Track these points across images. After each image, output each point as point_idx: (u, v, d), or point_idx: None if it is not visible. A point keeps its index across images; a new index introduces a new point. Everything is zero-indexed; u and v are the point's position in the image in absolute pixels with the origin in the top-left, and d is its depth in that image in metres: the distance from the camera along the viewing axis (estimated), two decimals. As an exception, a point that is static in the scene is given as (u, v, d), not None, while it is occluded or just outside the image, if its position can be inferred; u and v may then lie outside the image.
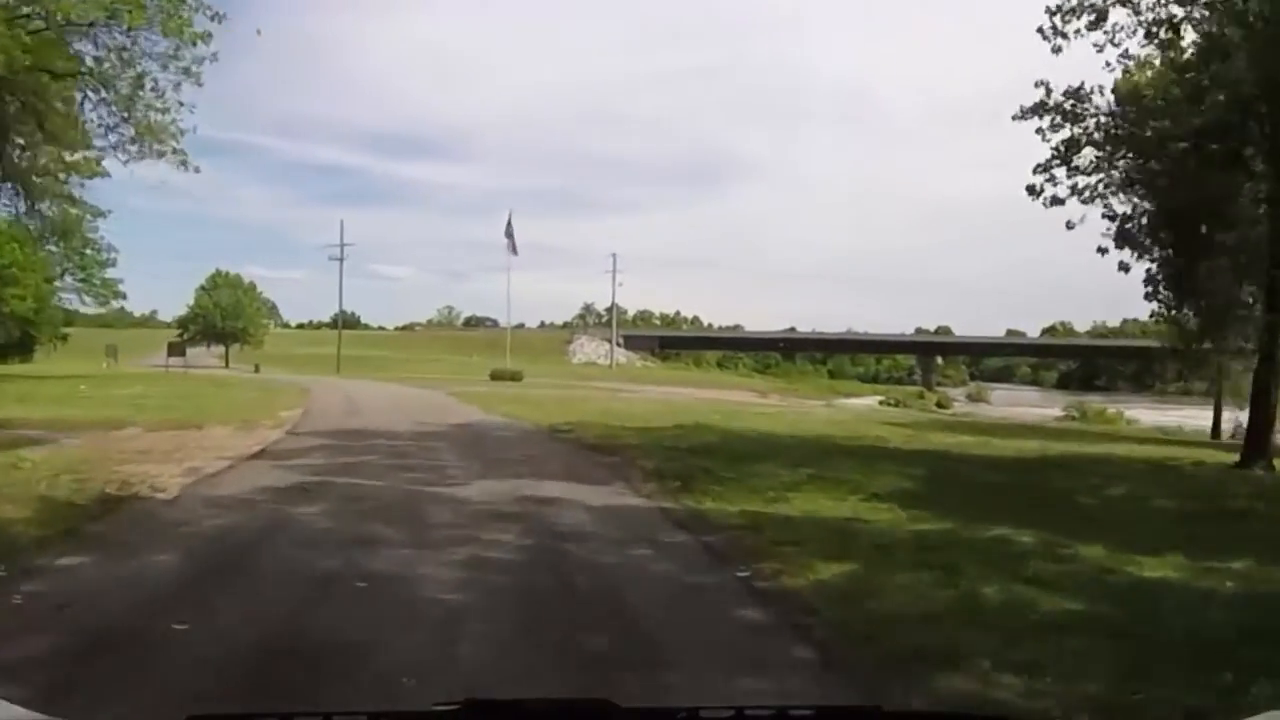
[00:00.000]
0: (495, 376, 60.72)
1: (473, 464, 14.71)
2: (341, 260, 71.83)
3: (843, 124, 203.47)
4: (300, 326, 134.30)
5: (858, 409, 53.16)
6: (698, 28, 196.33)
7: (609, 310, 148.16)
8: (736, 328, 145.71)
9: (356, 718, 2.20)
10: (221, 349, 79.47)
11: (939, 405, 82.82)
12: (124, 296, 47.10)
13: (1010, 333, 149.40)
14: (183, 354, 48.34)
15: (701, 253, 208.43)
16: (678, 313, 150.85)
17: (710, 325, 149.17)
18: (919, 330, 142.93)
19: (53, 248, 42.74)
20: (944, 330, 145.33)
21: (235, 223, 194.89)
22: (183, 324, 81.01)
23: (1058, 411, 62.40)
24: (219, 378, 47.47)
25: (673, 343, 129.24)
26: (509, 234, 61.28)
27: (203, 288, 79.76)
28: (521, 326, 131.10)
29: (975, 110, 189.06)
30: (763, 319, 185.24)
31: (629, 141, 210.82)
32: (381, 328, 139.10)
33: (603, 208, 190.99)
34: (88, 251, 42.92)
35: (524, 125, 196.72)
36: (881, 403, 75.66)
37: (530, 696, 1.88)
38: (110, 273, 47.96)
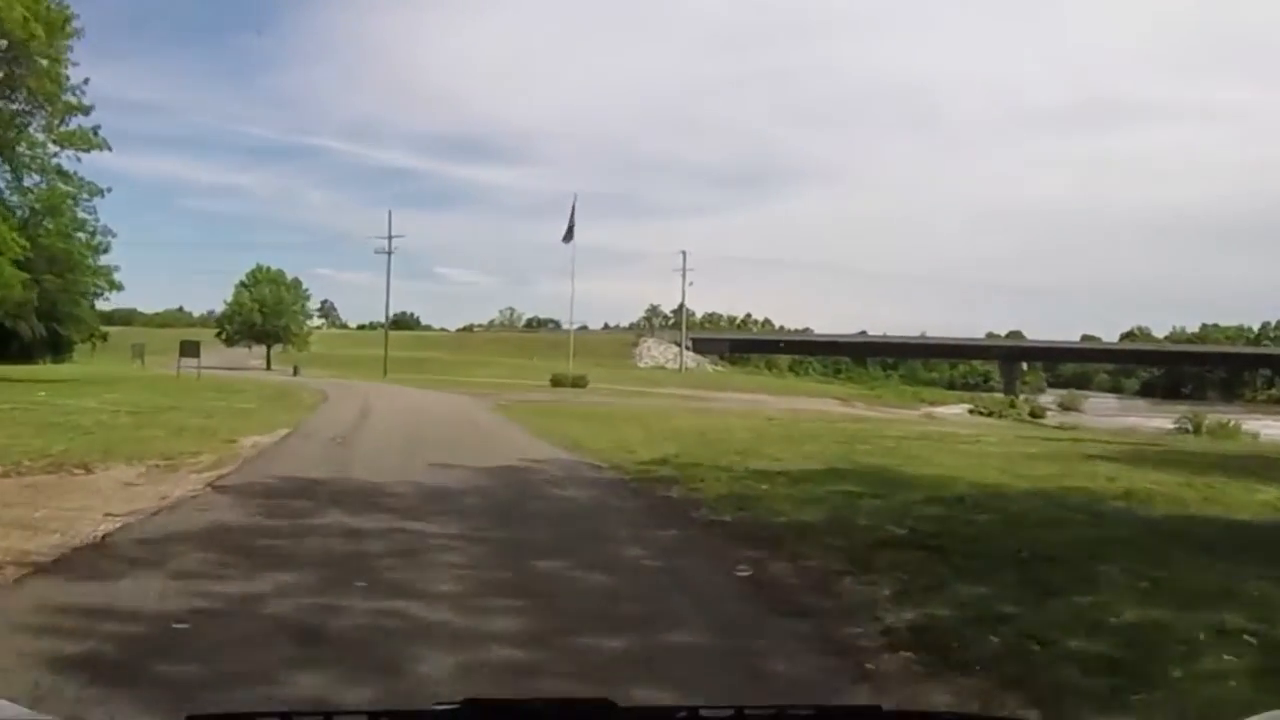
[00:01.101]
0: (556, 382, 52.83)
1: (501, 618, 6.41)
2: (390, 254, 64.71)
3: (908, 127, 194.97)
4: (360, 327, 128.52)
5: (989, 425, 44.28)
6: (759, 30, 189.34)
7: (675, 312, 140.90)
8: (805, 331, 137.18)
9: (357, 718, 2.05)
10: (263, 349, 72.62)
11: (1033, 415, 76.79)
12: (120, 288, 39.79)
13: (1085, 338, 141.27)
14: (196, 355, 41.04)
15: (765, 257, 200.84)
16: (748, 315, 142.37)
17: (781, 328, 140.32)
18: (989, 335, 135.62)
19: (49, 225, 35.50)
20: (1015, 335, 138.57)
21: (301, 225, 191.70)
22: (221, 323, 74.34)
23: (1168, 424, 55.77)
24: (233, 381, 40.05)
25: (744, 345, 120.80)
26: (571, 221, 53.52)
27: (242, 283, 73.08)
28: (584, 329, 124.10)
29: (1042, 113, 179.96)
30: (829, 323, 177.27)
31: (690, 144, 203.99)
32: (444, 329, 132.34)
33: (664, 211, 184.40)
34: (79, 235, 35.57)
35: (587, 129, 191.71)
36: (972, 411, 69.17)
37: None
38: (122, 268, 40.57)
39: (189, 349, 41.67)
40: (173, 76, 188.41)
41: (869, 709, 2.37)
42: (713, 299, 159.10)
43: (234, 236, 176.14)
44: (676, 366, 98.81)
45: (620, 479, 13.51)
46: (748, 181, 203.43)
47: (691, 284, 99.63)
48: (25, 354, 64.72)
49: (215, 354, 76.21)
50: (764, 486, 12.66)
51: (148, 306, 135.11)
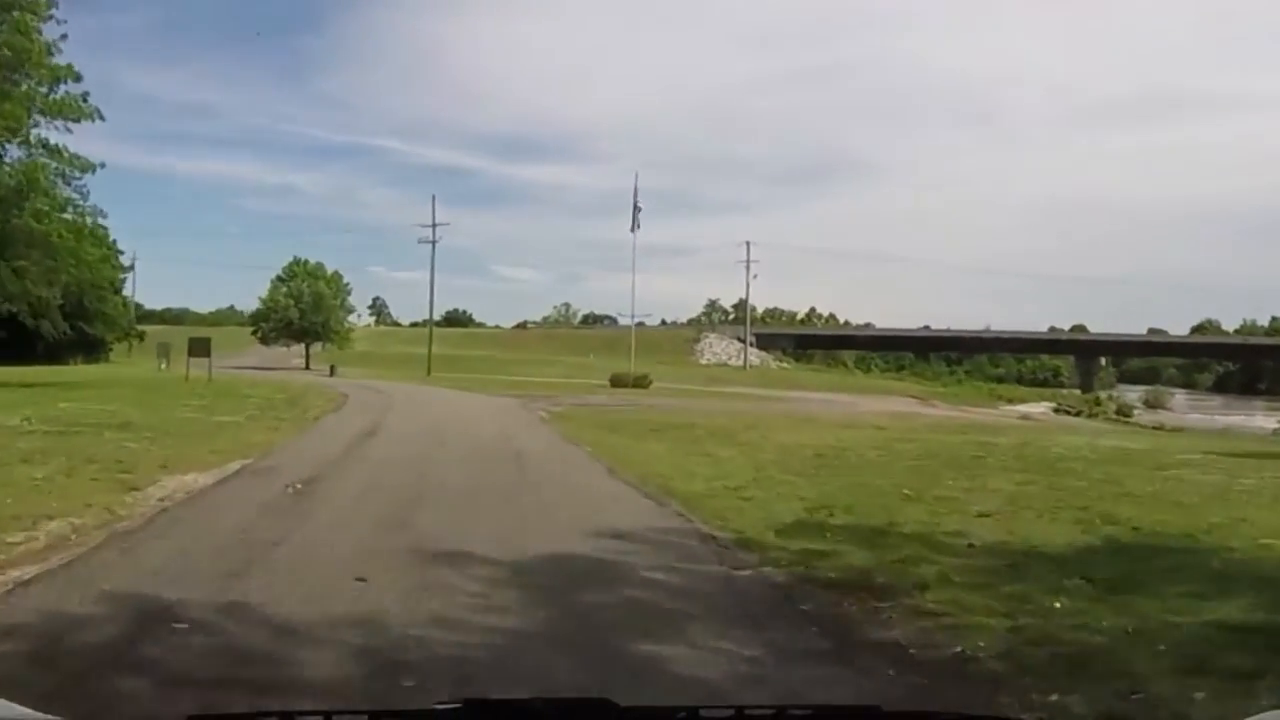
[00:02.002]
0: (616, 382, 46.65)
1: None
2: (434, 243, 58.71)
3: (965, 121, 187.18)
4: (413, 325, 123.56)
5: (1099, 428, 37.31)
6: (814, 26, 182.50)
7: (735, 307, 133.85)
8: (867, 326, 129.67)
9: (357, 717, 2.02)
10: (302, 347, 67.16)
11: (1120, 414, 70.31)
12: (119, 273, 34.29)
13: (1152, 331, 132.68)
14: (206, 353, 35.46)
15: (823, 253, 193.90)
16: (812, 309, 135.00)
17: (845, 323, 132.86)
18: (1051, 329, 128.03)
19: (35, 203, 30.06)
20: (1079, 329, 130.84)
21: (356, 224, 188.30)
22: (255, 320, 69.02)
23: (1270, 424, 50.73)
24: (248, 384, 34.47)
25: (810, 341, 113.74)
26: (635, 204, 47.26)
27: (279, 277, 67.71)
28: (641, 325, 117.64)
29: (1101, 106, 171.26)
30: (889, 318, 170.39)
31: (745, 141, 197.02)
32: (498, 326, 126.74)
33: (718, 207, 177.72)
34: (65, 215, 30.05)
35: (641, 126, 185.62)
36: (1057, 410, 64.66)
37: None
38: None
39: (198, 347, 36.15)
40: (228, 79, 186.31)
41: (869, 709, 2.09)
42: (771, 294, 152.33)
43: (290, 236, 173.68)
44: (739, 363, 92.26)
45: (771, 585, 7.11)
46: (804, 177, 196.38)
47: (756, 276, 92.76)
48: (53, 354, 60.11)
49: (254, 353, 71.26)
50: (1058, 604, 6.33)
51: (203, 306, 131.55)
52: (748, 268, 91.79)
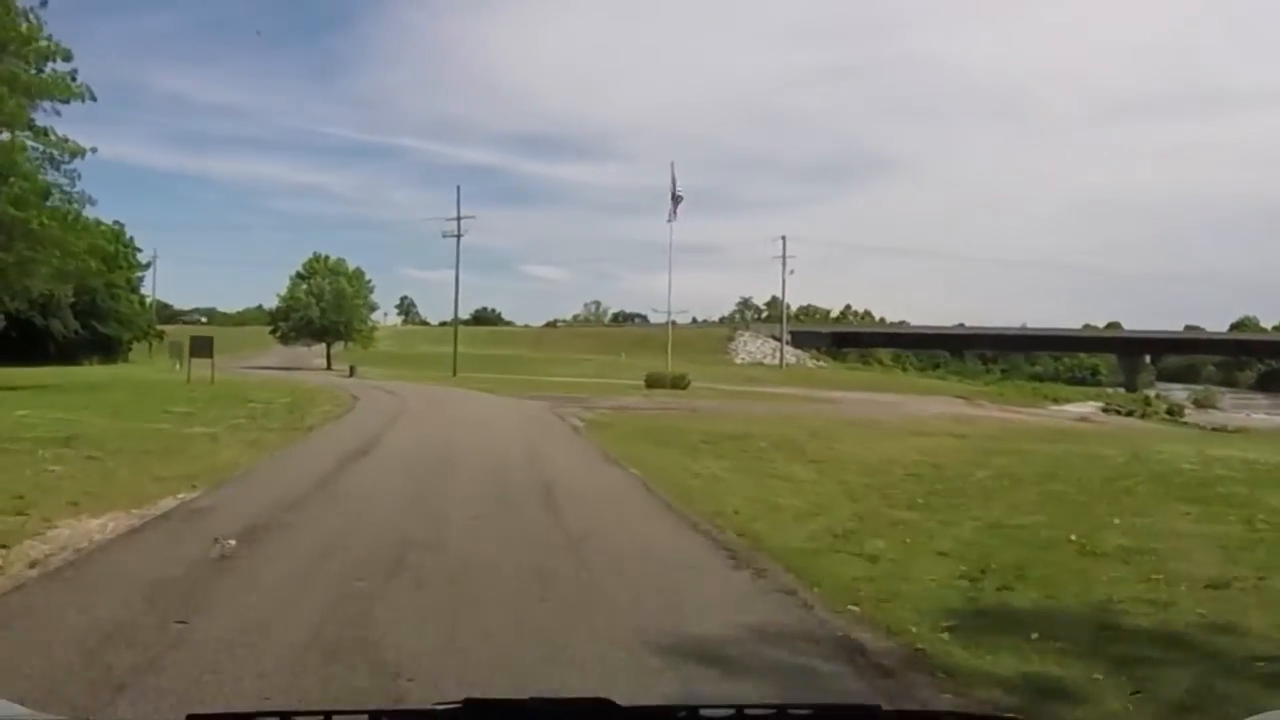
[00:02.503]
0: (652, 383, 43.22)
1: None
2: (459, 236, 55.39)
3: (998, 118, 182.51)
4: (442, 324, 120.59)
5: (1155, 430, 33.56)
6: (844, 24, 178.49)
7: (768, 305, 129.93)
8: (902, 324, 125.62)
9: (357, 717, 1.87)
10: (323, 347, 63.97)
11: (1170, 414, 66.32)
12: (107, 263, 31.31)
13: (1189, 328, 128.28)
14: (208, 353, 32.47)
15: (857, 248, 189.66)
16: (848, 307, 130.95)
17: (881, 320, 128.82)
18: (1086, 326, 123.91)
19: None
20: (1113, 326, 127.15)
21: (387, 224, 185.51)
22: (274, 319, 65.90)
23: None
24: (253, 386, 31.40)
25: (847, 339, 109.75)
26: (674, 196, 43.79)
27: (299, 274, 64.47)
28: (673, 323, 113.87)
29: (1134, 102, 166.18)
30: (922, 316, 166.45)
31: (775, 139, 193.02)
32: (527, 325, 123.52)
33: (748, 205, 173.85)
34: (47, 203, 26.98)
35: (669, 124, 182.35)
36: (1106, 410, 61.37)
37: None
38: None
39: (200, 346, 33.17)
40: (257, 80, 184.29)
41: (868, 708, 2.04)
42: (804, 292, 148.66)
43: (320, 236, 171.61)
44: (775, 362, 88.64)
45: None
46: (834, 175, 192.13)
47: (792, 272, 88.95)
48: (67, 354, 57.55)
49: (276, 353, 68.43)
50: None
51: (231, 306, 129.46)
52: (784, 264, 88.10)
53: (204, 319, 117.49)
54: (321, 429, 17.84)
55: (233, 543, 7.34)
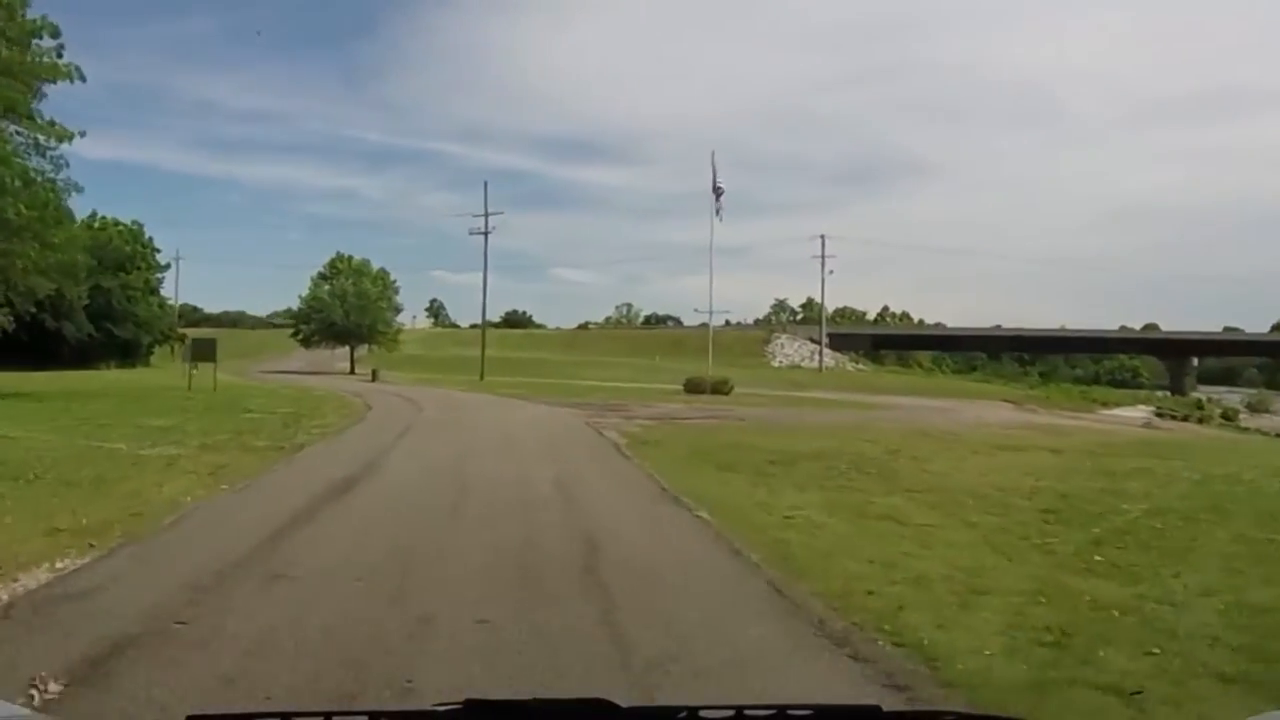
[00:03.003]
0: (692, 388, 39.86)
1: None
2: (486, 234, 52.14)
3: (1028, 122, 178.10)
4: (473, 326, 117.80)
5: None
6: (871, 27, 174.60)
7: (804, 307, 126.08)
8: (937, 325, 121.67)
9: (357, 718, 1.90)
10: (347, 350, 60.89)
11: (1225, 419, 62.92)
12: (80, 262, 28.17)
13: (1227, 330, 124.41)
14: (210, 357, 29.60)
15: (887, 253, 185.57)
16: (885, 308, 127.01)
17: (920, 322, 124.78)
18: (1122, 328, 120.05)
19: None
20: (1150, 328, 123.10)
21: (417, 228, 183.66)
22: (295, 321, 62.92)
23: None
24: (257, 392, 28.44)
25: (883, 342, 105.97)
26: (716, 191, 40.40)
27: (320, 274, 61.50)
28: (703, 326, 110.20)
29: (1167, 105, 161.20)
30: (957, 318, 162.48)
31: (803, 142, 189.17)
32: (559, 329, 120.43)
33: (777, 209, 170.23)
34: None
35: (697, 128, 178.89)
36: (1159, 415, 58.36)
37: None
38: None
39: (201, 350, 30.29)
40: (288, 84, 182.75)
41: (868, 708, 1.97)
42: (838, 294, 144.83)
43: (351, 239, 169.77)
44: (813, 365, 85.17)
45: None
46: (862, 178, 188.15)
47: (831, 272, 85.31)
48: (82, 358, 55.11)
49: (300, 357, 65.73)
50: None
51: (261, 309, 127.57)
52: (823, 264, 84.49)
53: (230, 323, 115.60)
54: (312, 448, 14.73)
55: (55, 687, 4.20)
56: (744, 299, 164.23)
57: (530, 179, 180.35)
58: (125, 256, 57.62)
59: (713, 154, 41.40)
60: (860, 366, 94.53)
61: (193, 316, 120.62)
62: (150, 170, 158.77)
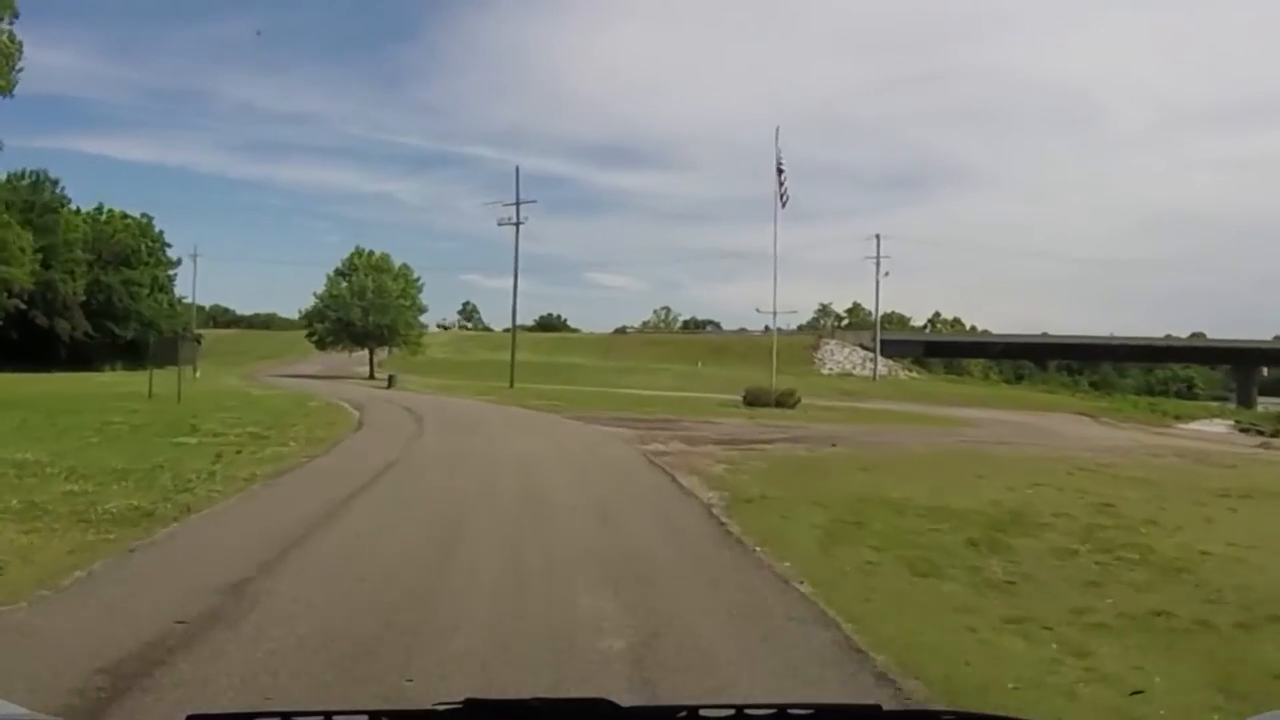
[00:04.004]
0: (753, 400, 33.63)
1: None
2: (518, 224, 45.92)
3: (1069, 129, 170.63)
4: (506, 330, 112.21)
5: None
6: (916, 34, 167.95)
7: (849, 312, 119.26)
8: (984, 332, 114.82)
9: (357, 717, 1.79)
10: (366, 353, 54.83)
11: None
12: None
13: (1277, 338, 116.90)
14: (173, 360, 23.98)
15: (928, 258, 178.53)
16: (936, 314, 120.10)
17: (972, 328, 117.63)
18: (1168, 336, 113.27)
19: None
20: (1197, 336, 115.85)
21: (454, 232, 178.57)
22: (309, 320, 56.92)
23: None
24: (245, 401, 22.74)
25: (937, 349, 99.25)
26: (779, 172, 34.23)
27: (338, 271, 55.37)
28: (743, 331, 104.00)
29: (1209, 113, 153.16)
30: (999, 325, 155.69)
31: (841, 148, 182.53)
32: (593, 333, 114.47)
33: (818, 215, 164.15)
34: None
35: (734, 134, 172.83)
36: (1243, 429, 51.52)
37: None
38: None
39: (163, 351, 24.72)
40: (327, 87, 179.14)
41: (868, 708, 1.92)
42: (883, 300, 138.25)
43: (385, 242, 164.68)
44: (865, 373, 78.82)
45: None
46: (903, 184, 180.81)
47: (887, 274, 78.95)
48: (82, 358, 49.84)
49: (318, 360, 60.17)
50: None
51: (293, 311, 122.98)
52: (878, 264, 77.96)
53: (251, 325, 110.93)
54: (229, 501, 8.95)
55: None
56: (783, 304, 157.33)
57: (567, 184, 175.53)
58: (130, 250, 52.40)
59: (776, 130, 35.33)
60: (913, 374, 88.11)
61: (224, 317, 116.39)
62: (187, 172, 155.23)
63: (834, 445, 19.70)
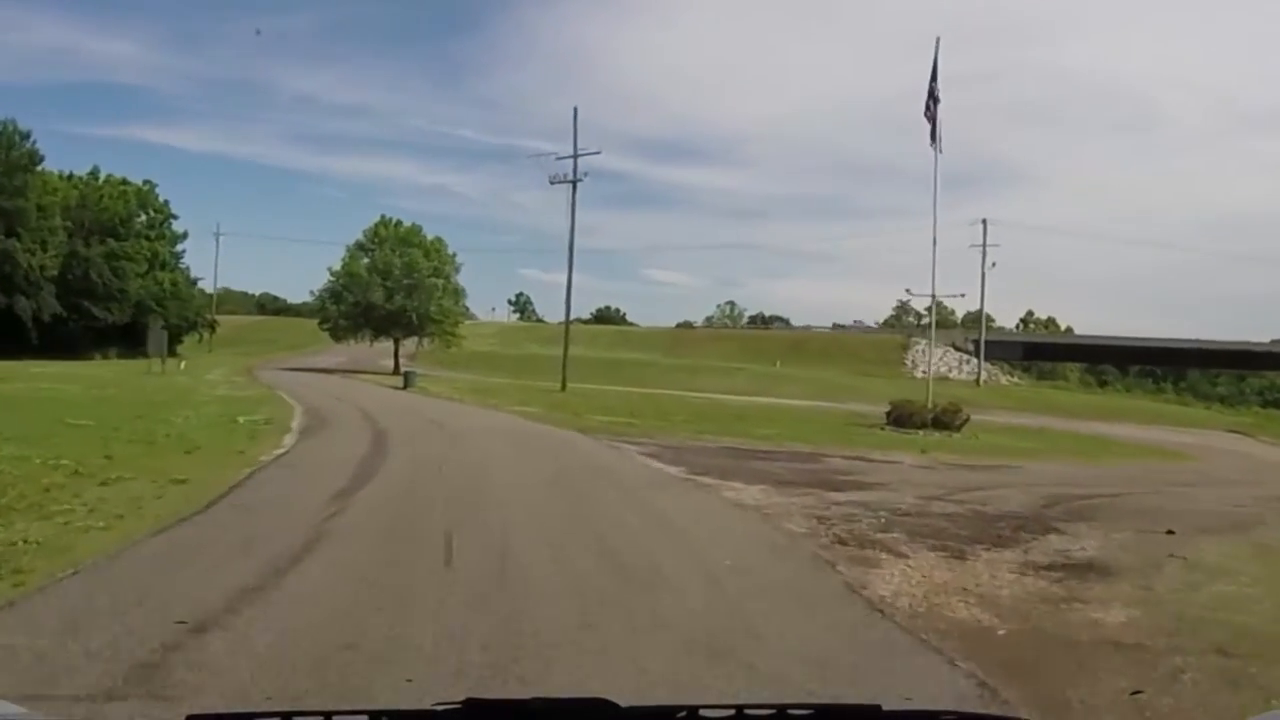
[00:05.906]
0: (902, 418, 23.45)
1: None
2: (575, 182, 35.66)
3: (1130, 129, 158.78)
4: (561, 323, 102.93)
5: None
6: (974, 32, 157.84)
7: (928, 310, 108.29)
8: (1084, 335, 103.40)
9: (357, 717, 1.79)
10: (391, 344, 44.78)
11: None
12: None
13: None
14: (161, 350, 13.89)
15: (975, 261, 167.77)
16: (1029, 313, 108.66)
17: (1067, 329, 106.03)
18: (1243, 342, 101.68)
19: None
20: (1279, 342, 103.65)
21: (510, 226, 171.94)
22: (322, 302, 47.19)
23: None
24: (206, 400, 13.44)
25: (1038, 351, 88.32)
26: (932, 97, 24.23)
27: (359, 244, 45.32)
28: (808, 329, 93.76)
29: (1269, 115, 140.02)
30: (1079, 327, 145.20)
31: (899, 147, 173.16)
32: (654, 327, 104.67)
33: (871, 213, 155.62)
34: None
35: (792, 131, 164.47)
36: None
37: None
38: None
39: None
40: (386, 80, 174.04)
41: (869, 708, 1.88)
42: (964, 299, 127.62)
43: (445, 236, 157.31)
44: (963, 377, 68.78)
45: None
46: (961, 183, 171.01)
47: (994, 265, 68.36)
48: (59, 345, 41.06)
49: (342, 351, 51.20)
50: None
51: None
52: (984, 254, 67.39)
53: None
54: None
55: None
56: (842, 302, 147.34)
57: (624, 179, 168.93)
58: (119, 220, 43.79)
59: (937, 40, 25.35)
60: (1015, 379, 77.63)
61: (273, 305, 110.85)
62: (248, 164, 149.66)
63: (1171, 532, 10.05)
